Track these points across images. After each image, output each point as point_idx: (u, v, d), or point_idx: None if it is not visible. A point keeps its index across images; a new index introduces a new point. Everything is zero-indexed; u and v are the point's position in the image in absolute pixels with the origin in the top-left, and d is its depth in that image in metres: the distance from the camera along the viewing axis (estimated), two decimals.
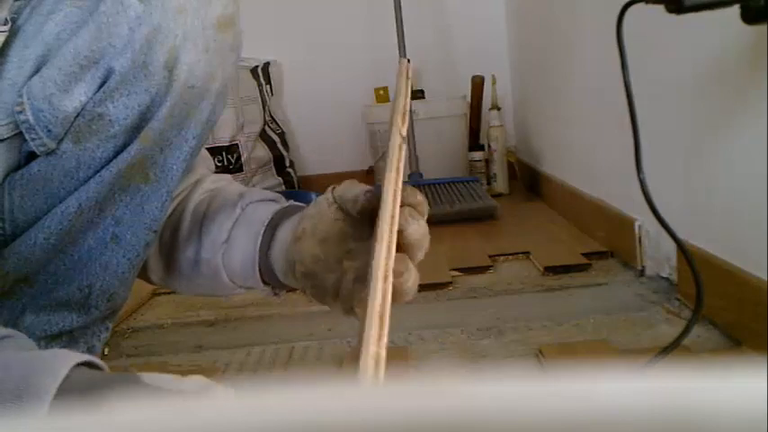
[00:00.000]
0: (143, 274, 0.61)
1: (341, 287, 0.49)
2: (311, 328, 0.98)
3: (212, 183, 0.63)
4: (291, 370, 0.84)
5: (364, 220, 0.49)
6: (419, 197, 0.45)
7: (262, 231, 0.55)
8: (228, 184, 0.63)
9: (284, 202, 0.58)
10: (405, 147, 0.42)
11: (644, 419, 0.10)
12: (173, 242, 0.59)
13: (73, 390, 0.32)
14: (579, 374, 0.10)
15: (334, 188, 0.51)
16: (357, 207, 0.48)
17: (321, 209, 0.51)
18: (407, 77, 0.49)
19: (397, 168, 0.40)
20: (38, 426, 0.11)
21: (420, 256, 0.44)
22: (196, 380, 0.36)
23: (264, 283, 0.56)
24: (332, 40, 2.25)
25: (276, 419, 0.10)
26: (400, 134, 0.43)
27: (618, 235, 1.15)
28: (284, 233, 0.54)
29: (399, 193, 0.39)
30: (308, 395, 0.11)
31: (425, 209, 0.45)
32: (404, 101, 0.46)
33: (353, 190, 0.49)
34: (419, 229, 0.43)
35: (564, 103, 1.57)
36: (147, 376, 0.35)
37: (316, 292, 0.51)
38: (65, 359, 0.34)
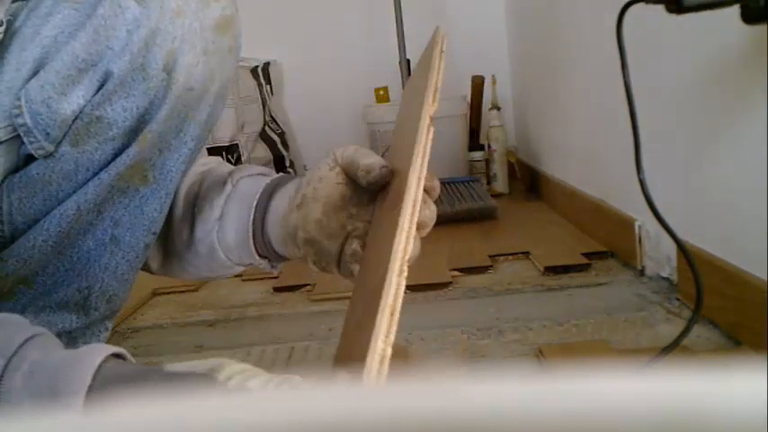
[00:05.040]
0: (143, 264, 0.62)
1: (342, 252, 0.50)
2: (311, 328, 0.97)
3: (202, 165, 0.63)
4: (291, 370, 0.84)
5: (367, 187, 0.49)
6: (436, 181, 0.46)
7: (254, 204, 0.54)
8: (219, 165, 0.63)
9: (275, 175, 0.58)
10: (432, 130, 0.40)
11: (644, 419, 0.10)
12: (168, 227, 0.59)
13: (106, 383, 0.33)
14: (579, 374, 0.10)
15: (335, 151, 0.51)
16: (369, 178, 0.47)
17: (322, 173, 0.51)
18: (442, 50, 0.44)
19: (424, 153, 0.38)
20: (39, 426, 0.11)
21: (422, 234, 0.46)
22: (210, 360, 0.37)
23: (261, 256, 0.56)
24: (332, 40, 2.25)
25: (276, 419, 0.10)
26: (429, 115, 0.40)
27: (618, 235, 1.15)
28: (280, 202, 0.54)
29: (423, 180, 0.37)
30: (309, 394, 0.11)
31: (437, 192, 0.47)
32: (436, 77, 0.42)
33: (367, 159, 0.48)
34: (430, 214, 0.46)
35: (564, 104, 1.57)
36: (170, 366, 0.36)
37: (318, 259, 0.51)
38: (98, 351, 0.35)
